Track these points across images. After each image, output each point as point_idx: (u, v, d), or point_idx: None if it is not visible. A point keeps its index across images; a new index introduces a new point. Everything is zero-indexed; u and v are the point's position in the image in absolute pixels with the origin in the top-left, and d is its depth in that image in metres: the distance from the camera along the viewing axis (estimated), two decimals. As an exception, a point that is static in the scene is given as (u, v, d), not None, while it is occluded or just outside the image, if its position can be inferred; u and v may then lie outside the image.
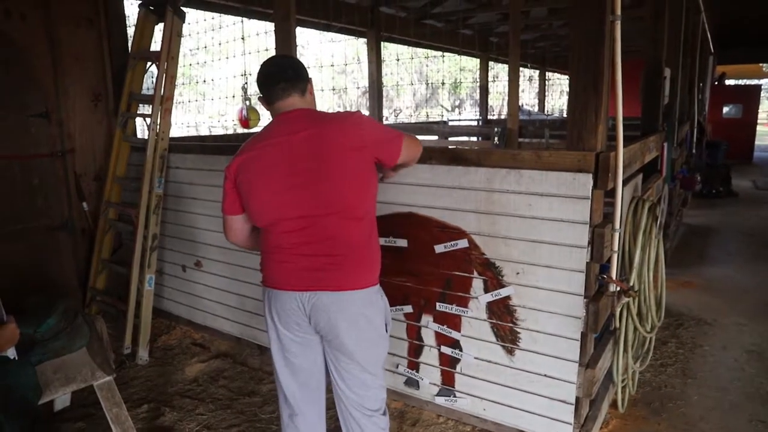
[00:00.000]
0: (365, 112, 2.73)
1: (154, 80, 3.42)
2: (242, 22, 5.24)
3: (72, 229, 3.74)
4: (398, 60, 9.05)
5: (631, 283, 2.43)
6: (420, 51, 8.78)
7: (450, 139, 7.61)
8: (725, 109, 13.28)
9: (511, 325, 2.33)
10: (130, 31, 3.89)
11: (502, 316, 2.35)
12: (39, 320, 2.26)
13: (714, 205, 7.80)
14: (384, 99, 7.00)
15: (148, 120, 3.40)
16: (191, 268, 3.64)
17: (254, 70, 1.91)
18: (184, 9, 3.49)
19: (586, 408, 2.39)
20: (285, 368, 1.91)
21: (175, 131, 4.15)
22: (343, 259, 1.76)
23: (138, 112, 3.75)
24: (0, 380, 1.85)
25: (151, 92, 3.49)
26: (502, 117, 10.11)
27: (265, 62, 1.89)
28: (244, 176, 1.78)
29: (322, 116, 1.82)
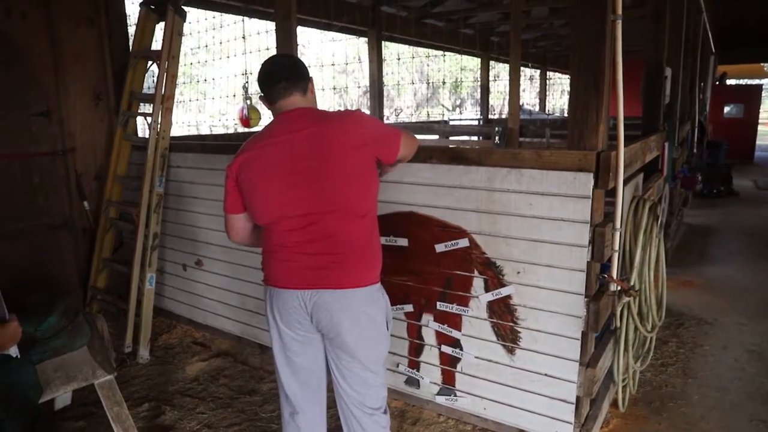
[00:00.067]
0: (366, 112, 2.73)
1: (155, 79, 3.42)
2: (243, 21, 5.24)
3: (73, 227, 3.74)
4: (399, 59, 9.05)
5: (632, 283, 2.43)
6: (421, 50, 8.77)
7: (451, 138, 7.60)
8: (726, 109, 13.27)
9: (511, 324, 2.34)
10: (131, 30, 3.89)
11: (503, 316, 2.35)
12: (40, 319, 2.26)
13: (715, 205, 7.79)
14: (385, 98, 7.00)
15: (149, 119, 3.41)
16: (192, 267, 3.64)
17: (255, 69, 1.91)
18: (185, 8, 3.49)
19: (586, 407, 2.39)
20: (286, 367, 1.92)
21: (176, 130, 4.16)
22: (345, 257, 1.76)
23: (139, 111, 3.76)
24: (1, 378, 1.85)
25: (152, 91, 3.49)
26: (503, 116, 10.12)
27: (266, 61, 1.89)
28: (246, 175, 1.78)
29: (323, 115, 1.83)
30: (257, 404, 2.81)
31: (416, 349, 2.64)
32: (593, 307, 2.14)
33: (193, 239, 3.58)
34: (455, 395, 2.56)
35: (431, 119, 12.78)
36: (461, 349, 2.50)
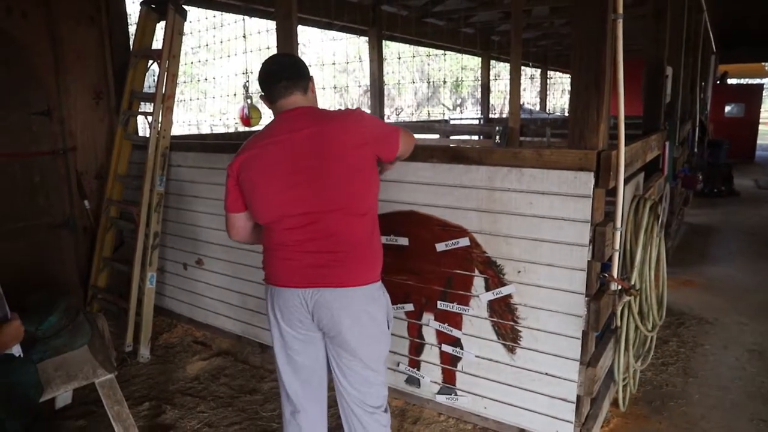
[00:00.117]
0: (367, 111, 2.73)
1: (156, 78, 3.42)
2: (243, 20, 5.24)
3: (73, 227, 3.74)
4: (400, 58, 9.05)
5: (633, 282, 2.43)
6: (421, 49, 8.77)
7: (451, 137, 7.59)
8: (727, 108, 13.26)
9: (512, 323, 2.34)
10: (132, 29, 3.89)
11: (504, 315, 2.35)
12: (40, 318, 2.26)
13: (715, 204, 7.79)
14: (385, 97, 7.00)
15: (150, 118, 3.40)
16: (192, 266, 3.64)
17: (256, 68, 1.92)
18: (186, 7, 3.49)
19: (587, 406, 2.39)
20: (287, 365, 1.92)
21: (177, 129, 4.16)
22: (346, 255, 1.77)
23: (139, 110, 3.76)
24: (2, 378, 1.85)
25: (152, 90, 3.49)
26: (504, 116, 10.11)
27: (266, 61, 1.89)
28: (247, 174, 1.78)
29: (323, 114, 1.83)
30: (258, 403, 2.81)
31: (417, 348, 2.64)
32: (594, 307, 2.14)
33: (194, 238, 3.58)
34: (456, 394, 2.56)
35: (432, 118, 12.78)
36: (462, 348, 2.50)
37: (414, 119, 16.36)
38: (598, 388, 2.39)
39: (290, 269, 1.79)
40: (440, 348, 2.57)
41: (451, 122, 9.86)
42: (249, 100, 4.54)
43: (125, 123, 3.72)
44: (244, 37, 5.03)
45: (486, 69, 9.15)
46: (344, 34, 7.05)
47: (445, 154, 2.38)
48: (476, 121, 10.01)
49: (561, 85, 16.46)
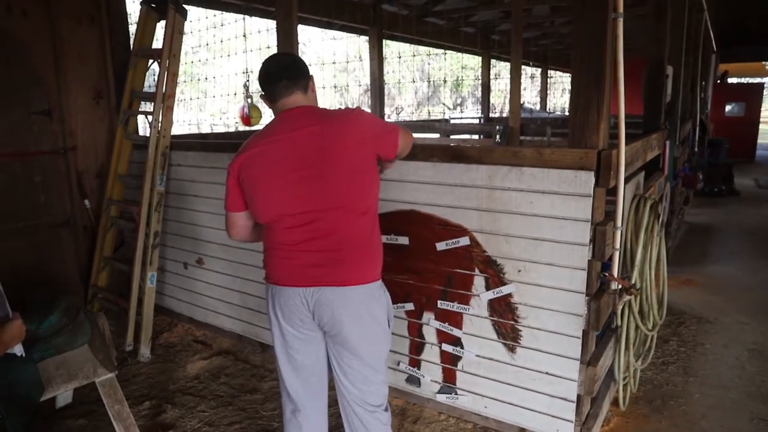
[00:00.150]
0: (367, 110, 2.73)
1: (156, 78, 3.42)
2: (244, 19, 5.24)
3: (74, 226, 3.74)
4: (400, 58, 9.05)
5: (633, 281, 2.43)
6: (422, 49, 8.76)
7: (452, 136, 7.60)
8: (728, 108, 13.25)
9: (512, 322, 2.34)
10: (132, 28, 3.89)
11: (504, 314, 2.35)
12: (41, 317, 2.26)
13: (716, 204, 7.79)
14: (386, 97, 7.00)
15: (150, 117, 3.40)
16: (193, 265, 3.64)
17: (256, 67, 1.92)
18: (186, 6, 3.49)
19: (587, 406, 2.39)
20: (288, 365, 1.92)
21: (177, 129, 4.16)
22: (346, 254, 1.77)
23: (140, 110, 3.76)
24: (3, 377, 1.85)
25: (152, 90, 3.49)
26: (504, 115, 10.11)
27: (266, 60, 1.89)
28: (248, 173, 1.79)
29: (324, 113, 1.83)
30: (258, 402, 2.81)
31: (417, 347, 2.64)
32: (594, 306, 2.14)
33: (194, 238, 3.58)
34: (456, 393, 2.56)
35: (432, 118, 12.77)
36: (462, 348, 2.50)
37: (414, 118, 16.36)
38: (599, 387, 2.39)
39: (291, 268, 1.80)
40: (440, 347, 2.57)
41: (452, 121, 9.86)
42: (249, 100, 4.55)
43: (125, 122, 3.72)
44: (244, 36, 5.03)
45: (486, 68, 9.14)
46: (344, 33, 7.05)
47: (445, 154, 2.38)
48: (476, 121, 10.00)
49: (561, 84, 16.45)
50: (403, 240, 2.55)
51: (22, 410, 1.87)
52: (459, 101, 22.57)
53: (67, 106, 3.67)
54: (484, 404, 2.49)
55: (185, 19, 3.44)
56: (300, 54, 3.09)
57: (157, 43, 3.55)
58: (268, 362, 3.20)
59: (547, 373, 2.29)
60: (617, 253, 2.23)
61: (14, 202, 3.38)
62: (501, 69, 12.28)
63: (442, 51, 8.89)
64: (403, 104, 20.37)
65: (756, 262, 5.03)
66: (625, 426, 2.57)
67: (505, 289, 2.32)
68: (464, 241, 2.38)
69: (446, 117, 13.14)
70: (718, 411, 2.68)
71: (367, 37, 6.69)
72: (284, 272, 1.81)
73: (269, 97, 1.86)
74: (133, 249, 3.38)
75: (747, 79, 16.18)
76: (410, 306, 2.61)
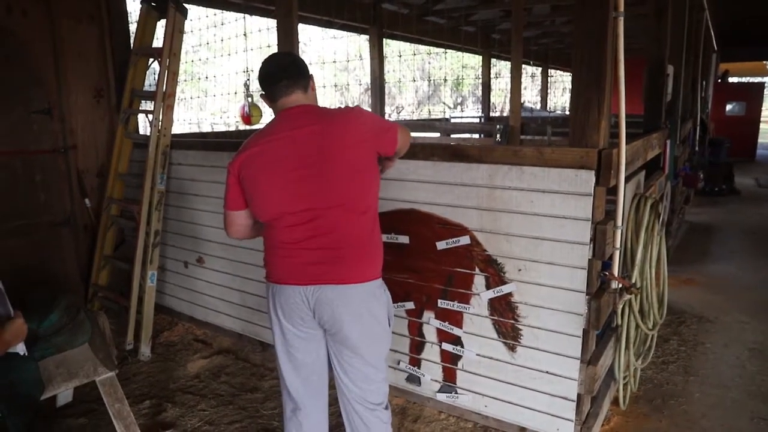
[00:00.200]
0: (367, 109, 2.73)
1: (156, 77, 3.42)
2: (244, 18, 5.24)
3: (74, 225, 3.74)
4: (400, 57, 9.04)
5: (633, 280, 2.43)
6: (422, 48, 8.75)
7: (452, 136, 7.60)
8: (728, 107, 13.24)
9: (512, 321, 2.34)
10: (132, 27, 3.89)
11: (504, 313, 2.35)
12: (41, 316, 2.26)
13: (716, 203, 7.78)
14: (386, 96, 6.99)
15: (150, 116, 3.40)
16: (193, 264, 3.64)
17: (256, 66, 1.92)
18: (186, 5, 3.48)
19: (587, 405, 2.39)
20: (288, 363, 1.92)
21: (177, 128, 4.15)
22: (346, 252, 1.77)
23: (140, 109, 3.76)
24: (3, 375, 1.85)
25: (153, 89, 3.49)
26: (505, 114, 10.10)
27: (266, 60, 1.89)
28: (248, 171, 1.79)
29: (324, 112, 1.83)
30: (258, 401, 2.82)
31: (417, 346, 2.64)
32: (594, 305, 2.14)
33: (195, 237, 3.58)
34: (456, 392, 2.56)
35: (433, 117, 12.76)
36: (462, 347, 2.50)
37: (415, 118, 16.35)
38: (599, 386, 2.39)
39: (292, 266, 1.80)
40: (441, 346, 2.57)
41: (452, 121, 9.86)
42: (250, 99, 4.55)
43: (126, 121, 3.72)
44: (244, 35, 5.02)
45: (487, 67, 9.13)
46: (345, 32, 7.05)
47: (445, 152, 2.38)
48: (477, 120, 10.00)
49: (562, 83, 16.43)
50: (404, 239, 2.54)
51: (23, 409, 1.87)
52: (459, 100, 22.55)
53: (67, 105, 3.67)
54: (485, 403, 2.49)
55: (185, 18, 3.44)
56: (300, 53, 3.09)
57: (158, 41, 3.55)
58: (269, 361, 3.20)
59: (547, 372, 2.29)
60: (618, 252, 2.23)
61: (14, 201, 3.38)
62: (501, 68, 12.27)
63: (442, 50, 8.89)
64: (404, 103, 20.36)
65: (756, 262, 5.02)
66: (625, 425, 2.57)
67: (505, 288, 2.32)
68: (464, 240, 2.38)
69: (447, 116, 13.13)
70: (719, 410, 2.68)
71: (367, 36, 6.68)
72: (285, 270, 1.82)
73: (269, 97, 1.86)
74: (134, 248, 3.38)
75: (748, 78, 16.18)
76: (410, 305, 2.61)
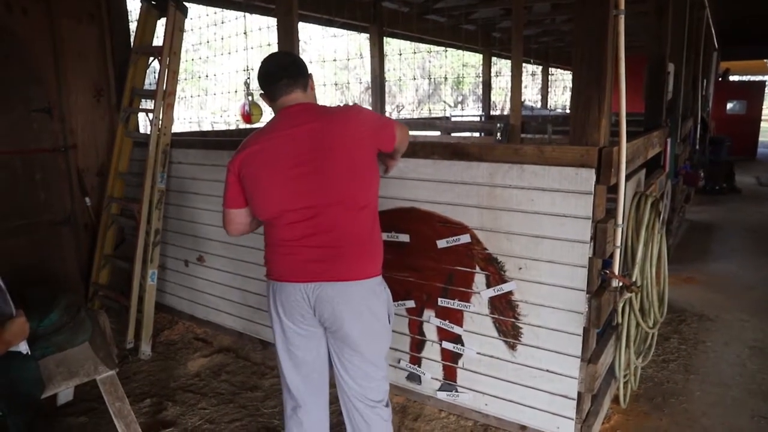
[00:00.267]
0: (368, 108, 2.73)
1: (156, 75, 3.42)
2: (244, 17, 5.23)
3: (74, 224, 3.74)
4: (401, 55, 9.03)
5: (634, 279, 2.43)
6: (422, 46, 8.74)
7: (452, 134, 7.59)
8: (729, 105, 13.22)
9: (513, 320, 2.33)
10: (132, 26, 3.89)
11: (504, 312, 2.35)
12: (41, 315, 2.26)
13: (717, 202, 7.78)
14: (386, 94, 6.98)
15: (151, 115, 3.40)
16: (194, 263, 3.64)
17: (256, 65, 1.92)
18: (186, 4, 3.48)
19: (587, 403, 2.39)
20: (289, 361, 1.92)
21: (178, 127, 4.16)
22: (346, 249, 1.77)
23: (140, 108, 3.75)
24: (4, 374, 1.85)
25: (153, 87, 3.49)
26: (505, 113, 10.09)
27: (265, 60, 1.89)
28: (248, 170, 1.79)
29: (324, 110, 1.84)
30: (259, 400, 2.82)
31: (418, 344, 2.65)
32: (595, 303, 2.14)
33: (195, 235, 3.58)
34: (456, 391, 2.57)
35: (433, 115, 12.76)
36: (463, 345, 2.50)
37: (415, 116, 16.34)
38: (599, 384, 2.39)
39: (293, 264, 1.80)
40: (441, 345, 2.57)
41: (453, 119, 9.85)
42: (250, 97, 4.54)
43: (126, 120, 3.72)
44: (245, 33, 5.02)
45: (487, 66, 9.12)
46: (345, 30, 7.04)
47: (446, 151, 2.38)
48: (477, 118, 9.99)
49: (562, 82, 16.41)
50: (404, 237, 2.54)
51: (24, 408, 1.87)
52: (460, 99, 22.53)
53: (67, 104, 3.67)
54: (485, 402, 2.49)
55: (185, 17, 3.43)
56: (301, 52, 3.09)
57: (158, 40, 3.55)
58: (269, 359, 3.20)
59: (547, 370, 2.29)
60: (618, 251, 2.23)
61: (15, 200, 3.38)
62: (502, 66, 12.26)
63: (442, 48, 8.87)
64: (404, 102, 20.35)
65: (757, 260, 5.02)
66: (625, 423, 2.57)
67: (505, 287, 2.32)
68: (465, 238, 2.37)
69: (447, 115, 13.12)
70: (719, 408, 2.67)
71: (367, 35, 6.68)
72: (286, 268, 1.82)
73: (269, 96, 1.87)
74: (134, 246, 3.38)
75: (748, 76, 16.16)
76: (411, 303, 2.61)
